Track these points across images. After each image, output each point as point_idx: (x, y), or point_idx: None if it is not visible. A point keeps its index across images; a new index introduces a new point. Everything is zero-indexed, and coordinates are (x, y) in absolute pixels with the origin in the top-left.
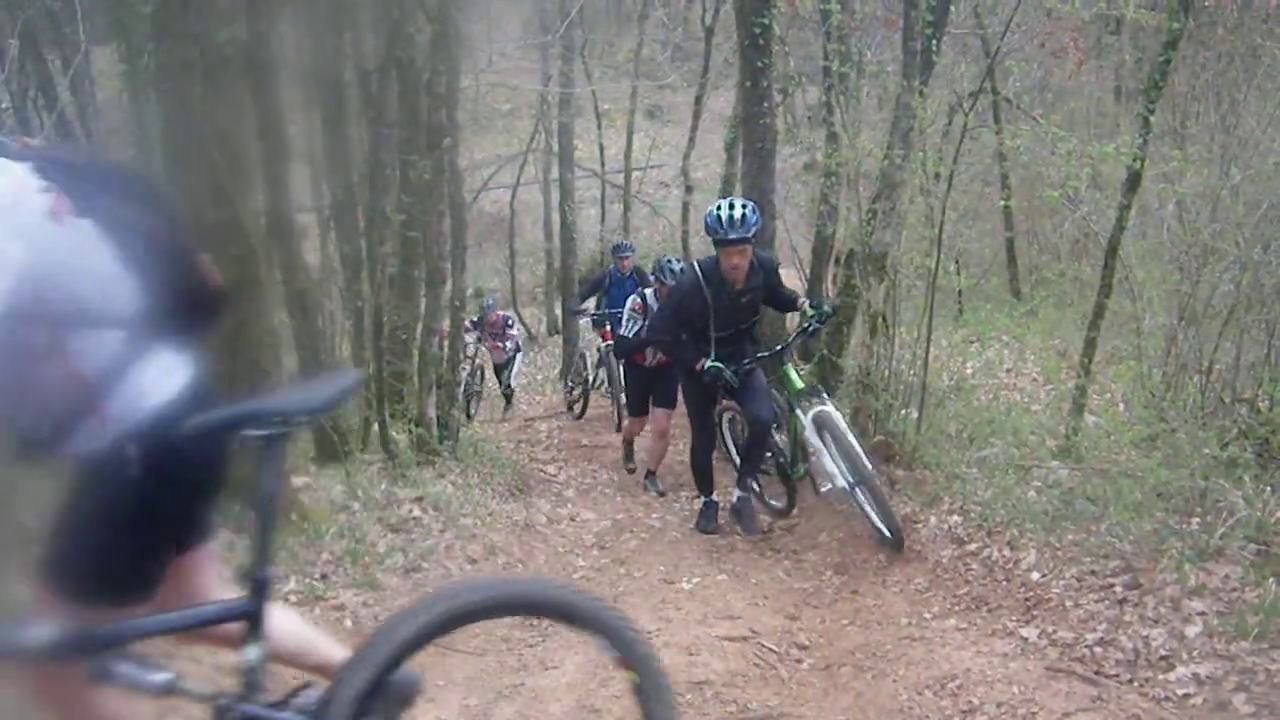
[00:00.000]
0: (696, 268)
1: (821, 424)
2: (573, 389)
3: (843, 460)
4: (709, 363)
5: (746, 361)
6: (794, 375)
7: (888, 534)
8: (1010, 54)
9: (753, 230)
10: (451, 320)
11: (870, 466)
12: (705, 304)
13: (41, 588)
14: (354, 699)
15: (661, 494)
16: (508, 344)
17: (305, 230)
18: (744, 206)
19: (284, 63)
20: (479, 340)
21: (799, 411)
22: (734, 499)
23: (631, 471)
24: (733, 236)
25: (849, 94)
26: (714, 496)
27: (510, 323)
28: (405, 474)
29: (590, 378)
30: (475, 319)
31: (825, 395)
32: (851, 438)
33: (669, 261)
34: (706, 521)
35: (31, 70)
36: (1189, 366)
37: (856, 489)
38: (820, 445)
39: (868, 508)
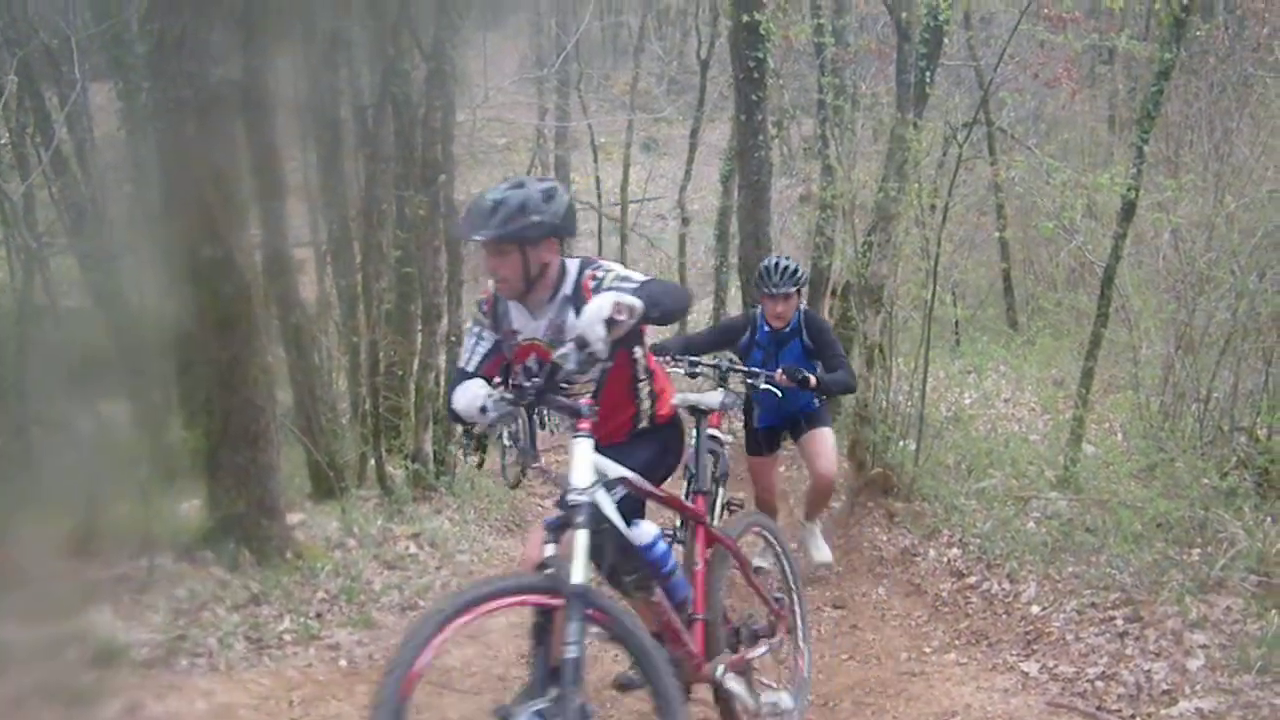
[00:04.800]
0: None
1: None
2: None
3: None
4: None
5: None
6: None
7: None
8: (1004, 85)
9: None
10: (447, 355)
11: None
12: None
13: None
14: None
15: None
16: None
17: (301, 266)
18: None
19: (279, 100)
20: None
21: None
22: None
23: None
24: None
25: (844, 126)
26: None
27: None
28: (401, 510)
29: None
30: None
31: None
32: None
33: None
34: None
35: (29, 107)
36: (1187, 395)
37: None
38: None
39: None
